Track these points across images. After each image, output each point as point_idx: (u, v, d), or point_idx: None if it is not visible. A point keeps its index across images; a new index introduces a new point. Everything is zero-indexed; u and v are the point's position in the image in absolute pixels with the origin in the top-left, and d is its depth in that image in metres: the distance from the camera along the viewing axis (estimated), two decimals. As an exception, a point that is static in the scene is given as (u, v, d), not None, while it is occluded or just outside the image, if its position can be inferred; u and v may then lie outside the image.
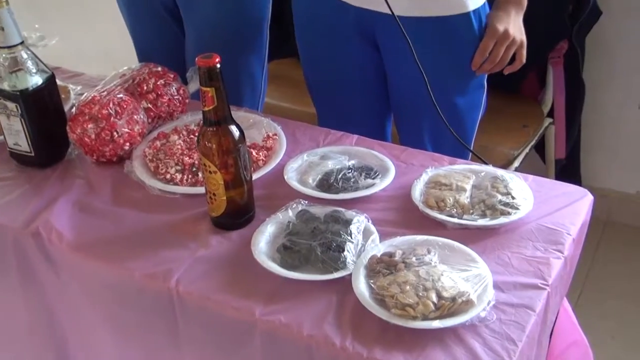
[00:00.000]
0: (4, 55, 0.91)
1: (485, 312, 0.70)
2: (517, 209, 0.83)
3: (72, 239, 0.84)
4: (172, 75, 1.04)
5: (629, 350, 1.44)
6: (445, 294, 0.70)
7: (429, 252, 0.76)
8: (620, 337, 1.45)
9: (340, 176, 0.89)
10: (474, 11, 1.04)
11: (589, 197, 0.88)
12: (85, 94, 0.97)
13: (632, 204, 1.74)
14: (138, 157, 0.96)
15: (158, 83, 1.01)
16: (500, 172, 0.90)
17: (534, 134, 1.51)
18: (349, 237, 0.78)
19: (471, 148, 1.15)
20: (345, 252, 0.76)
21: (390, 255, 0.76)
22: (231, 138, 0.80)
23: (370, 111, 1.21)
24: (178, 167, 0.93)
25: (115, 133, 0.94)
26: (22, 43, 0.92)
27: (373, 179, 0.90)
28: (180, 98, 1.04)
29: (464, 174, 0.89)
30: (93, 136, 0.93)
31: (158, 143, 0.98)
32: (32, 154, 0.96)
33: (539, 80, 1.57)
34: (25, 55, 0.92)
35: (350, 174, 0.90)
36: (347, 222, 0.80)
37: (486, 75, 1.13)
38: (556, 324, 0.85)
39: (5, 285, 0.93)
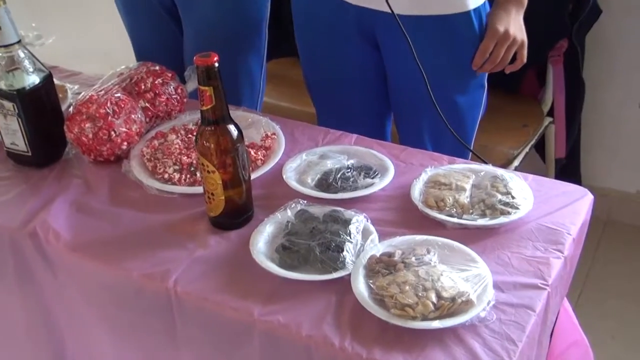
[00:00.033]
0: (0, 54, 0.90)
1: (485, 312, 0.69)
2: (517, 208, 0.83)
3: (69, 239, 0.84)
4: (170, 74, 1.04)
5: (630, 350, 1.43)
6: (444, 294, 0.70)
7: (428, 252, 0.76)
8: (621, 337, 1.45)
9: (339, 176, 0.89)
10: (474, 10, 1.04)
11: (589, 197, 0.87)
12: (82, 93, 0.96)
13: (633, 204, 1.74)
14: (136, 156, 0.96)
15: (156, 82, 1.01)
16: (500, 171, 0.90)
17: (534, 133, 1.51)
18: (348, 237, 0.78)
19: (471, 147, 1.15)
20: (344, 252, 0.76)
21: (390, 255, 0.76)
22: (229, 137, 0.80)
23: (370, 110, 1.20)
24: (176, 167, 0.93)
25: (112, 132, 0.93)
26: (19, 42, 0.91)
27: (372, 178, 0.90)
28: (178, 97, 1.04)
29: (463, 174, 0.89)
30: (90, 135, 0.93)
31: (156, 142, 0.98)
32: (29, 154, 0.96)
33: (539, 79, 1.57)
34: (22, 54, 0.92)
35: (349, 174, 0.90)
36: (346, 222, 0.80)
37: (487, 75, 1.12)
38: (556, 324, 0.85)
39: (2, 285, 0.93)
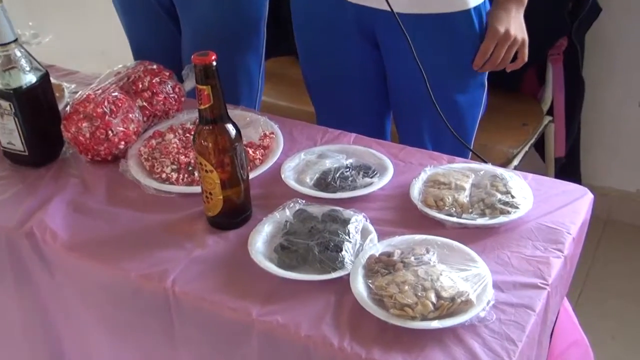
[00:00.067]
0: (-3, 53, 0.90)
1: (485, 312, 0.69)
2: (517, 208, 0.83)
3: (66, 239, 0.84)
4: (167, 73, 1.03)
5: (630, 350, 1.43)
6: (444, 294, 0.70)
7: (427, 252, 0.76)
8: (621, 337, 1.45)
9: (337, 175, 0.89)
10: (474, 8, 1.03)
11: (589, 196, 0.87)
12: (79, 93, 0.96)
13: (633, 203, 1.74)
14: (133, 156, 0.96)
15: (153, 81, 1.01)
16: (499, 170, 0.89)
17: (534, 132, 1.51)
18: (347, 237, 0.77)
19: (471, 147, 1.14)
20: (343, 252, 0.76)
21: (389, 254, 0.76)
22: (227, 137, 0.79)
23: (369, 110, 1.20)
24: (174, 166, 0.92)
25: (110, 132, 0.93)
26: (15, 41, 0.91)
27: (371, 177, 0.90)
28: (176, 96, 1.04)
29: (463, 173, 0.89)
30: (88, 135, 0.93)
31: (153, 142, 0.97)
32: (26, 153, 0.96)
33: (539, 78, 1.56)
34: (18, 53, 0.92)
35: (348, 173, 0.89)
36: (345, 222, 0.80)
37: (487, 74, 1.12)
38: (556, 324, 0.85)
39: (-1, 286, 0.93)
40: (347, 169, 0.90)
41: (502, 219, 0.81)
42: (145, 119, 1.00)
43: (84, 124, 0.92)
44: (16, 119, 0.92)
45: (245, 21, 1.19)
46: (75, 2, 2.16)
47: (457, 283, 0.71)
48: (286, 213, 0.83)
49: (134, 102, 0.97)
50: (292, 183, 0.89)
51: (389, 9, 0.98)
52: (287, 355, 0.72)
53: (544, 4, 1.26)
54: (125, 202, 0.90)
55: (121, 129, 0.94)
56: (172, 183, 0.91)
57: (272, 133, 0.99)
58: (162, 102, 1.01)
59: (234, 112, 0.95)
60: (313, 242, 0.77)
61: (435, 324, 0.68)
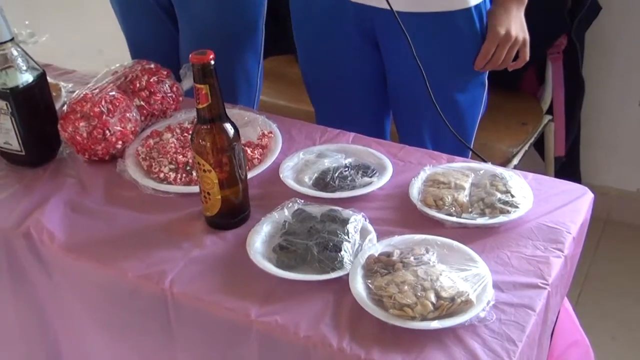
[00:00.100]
0: (-7, 52, 0.90)
1: (485, 312, 0.69)
2: (517, 207, 0.82)
3: (63, 240, 0.84)
4: (165, 72, 1.03)
5: (630, 349, 1.43)
6: (444, 294, 0.69)
7: (427, 252, 0.76)
8: (621, 337, 1.45)
9: (336, 175, 0.89)
10: (475, 6, 1.03)
11: (589, 195, 0.87)
12: (76, 92, 0.96)
13: (633, 202, 1.73)
14: (131, 155, 0.96)
15: (151, 80, 1.00)
16: (499, 170, 0.89)
17: (533, 131, 1.50)
18: (346, 237, 0.77)
19: (471, 146, 1.14)
20: (342, 252, 0.75)
21: (388, 254, 0.76)
22: (226, 136, 0.79)
23: (369, 109, 1.20)
24: (172, 166, 0.92)
25: (107, 131, 0.93)
26: (12, 40, 0.91)
27: (370, 177, 0.89)
28: (174, 95, 1.03)
29: (462, 172, 0.89)
30: (85, 134, 0.92)
31: (151, 141, 0.97)
32: (23, 153, 0.95)
33: (538, 77, 1.56)
34: (15, 53, 0.91)
35: (347, 173, 0.89)
36: (344, 222, 0.79)
37: (487, 73, 1.12)
38: (557, 324, 0.84)
39: (-5, 286, 0.92)
40: (346, 169, 0.90)
41: (502, 218, 0.81)
42: (142, 118, 0.99)
43: (81, 124, 0.92)
44: (13, 119, 0.92)
45: (244, 20, 1.19)
46: (72, 1, 2.15)
47: (457, 283, 0.71)
48: (285, 213, 0.82)
49: (131, 101, 0.97)
50: (290, 183, 0.89)
51: (388, 8, 0.97)
52: (286, 356, 0.71)
53: (543, 3, 1.26)
54: (122, 202, 0.89)
55: (118, 128, 0.94)
56: (170, 183, 0.91)
57: (271, 132, 0.99)
58: (159, 102, 1.01)
59: (232, 111, 0.95)
60: (312, 242, 0.77)
61: (435, 324, 0.67)
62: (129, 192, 0.91)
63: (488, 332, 0.68)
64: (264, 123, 1.00)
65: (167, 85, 1.02)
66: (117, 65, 1.02)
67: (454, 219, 0.82)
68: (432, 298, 0.69)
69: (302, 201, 0.84)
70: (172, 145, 0.95)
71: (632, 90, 1.62)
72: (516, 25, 1.04)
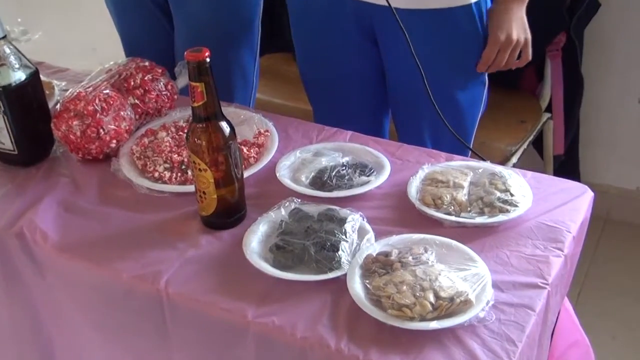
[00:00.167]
0: (-15, 50, 0.89)
1: (484, 312, 0.69)
2: (516, 206, 0.82)
3: (57, 240, 0.83)
4: (160, 70, 1.03)
5: (630, 349, 1.42)
6: (443, 294, 0.69)
7: (426, 251, 0.75)
8: (621, 336, 1.44)
9: (334, 173, 0.88)
10: (475, 3, 1.02)
11: (589, 194, 0.87)
12: (70, 90, 0.95)
13: (633, 201, 1.73)
14: (125, 154, 0.95)
15: (145, 78, 1.00)
16: (498, 168, 0.89)
17: (532, 129, 1.50)
18: (344, 236, 0.77)
19: (471, 144, 1.13)
20: (340, 252, 0.75)
21: (386, 254, 0.75)
22: (221, 135, 0.79)
23: (367, 107, 1.19)
24: (167, 165, 0.92)
25: (101, 130, 0.92)
26: (4, 37, 0.90)
27: (368, 176, 0.89)
28: (169, 94, 1.03)
29: (461, 171, 0.88)
30: (78, 133, 0.92)
31: (146, 140, 0.96)
32: (16, 152, 0.95)
33: (537, 74, 1.56)
34: (7, 50, 0.91)
35: (345, 171, 0.89)
36: (342, 221, 0.79)
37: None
38: (557, 324, 0.84)
39: (-12, 287, 0.91)
40: (344, 167, 0.89)
41: (501, 217, 0.81)
42: (137, 116, 0.99)
43: (75, 122, 0.91)
44: (5, 118, 0.91)
45: (240, 17, 1.18)
46: (65, -3, 2.14)
47: (456, 283, 0.70)
48: (281, 212, 0.82)
49: (125, 99, 0.96)
50: (287, 182, 0.88)
51: (387, 5, 0.96)
52: (283, 357, 0.71)
53: (542, 0, 1.25)
54: (117, 202, 0.89)
55: (113, 127, 0.93)
56: (165, 182, 0.90)
57: (267, 131, 0.98)
58: (154, 100, 1.00)
59: (228, 109, 0.94)
60: (309, 242, 0.76)
61: (434, 325, 0.67)
62: (124, 191, 0.90)
63: (487, 333, 0.68)
64: (260, 121, 1.00)
65: (161, 83, 1.01)
66: (111, 63, 1.01)
67: (453, 218, 0.81)
68: (431, 298, 0.69)
69: (299, 200, 0.84)
70: (167, 144, 0.94)
71: (632, 87, 1.62)
72: (517, 25, 1.03)
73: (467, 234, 0.79)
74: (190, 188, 0.85)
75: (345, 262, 0.75)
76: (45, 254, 0.83)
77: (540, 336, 0.74)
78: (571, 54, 1.47)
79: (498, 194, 0.83)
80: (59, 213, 0.87)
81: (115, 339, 0.84)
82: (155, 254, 0.79)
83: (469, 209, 0.82)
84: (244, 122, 1.00)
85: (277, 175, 0.90)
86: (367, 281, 0.72)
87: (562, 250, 0.78)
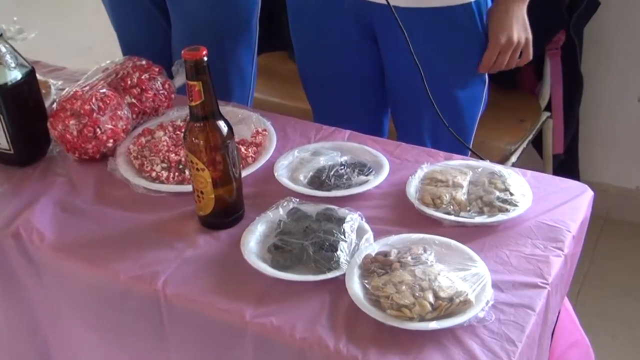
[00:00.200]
0: (-19, 49, 0.89)
1: (484, 313, 0.68)
2: (516, 205, 0.82)
3: (53, 240, 0.83)
4: (157, 69, 1.02)
5: (630, 348, 1.42)
6: (442, 294, 0.69)
7: (425, 251, 0.75)
8: (621, 336, 1.44)
9: (332, 173, 0.88)
10: (475, 2, 1.02)
11: (589, 193, 0.86)
12: (66, 89, 0.95)
13: (632, 200, 1.73)
14: (122, 154, 0.95)
15: (142, 77, 0.99)
16: (497, 167, 0.88)
17: (531, 128, 1.49)
18: (342, 236, 0.76)
19: (471, 143, 1.13)
20: (339, 252, 0.75)
21: (385, 254, 0.75)
22: (219, 134, 0.78)
23: (367, 106, 1.19)
24: (164, 165, 0.91)
25: (98, 129, 0.92)
26: (0, 36, 0.90)
27: (366, 175, 0.88)
28: (166, 93, 1.03)
29: (460, 170, 0.88)
30: (75, 133, 0.92)
31: (143, 140, 0.96)
32: (12, 152, 0.94)
33: (536, 73, 1.55)
34: (3, 49, 0.90)
35: (343, 171, 0.88)
36: (340, 221, 0.79)
37: None
38: (557, 324, 0.84)
39: (-16, 288, 0.91)
40: (342, 167, 0.89)
41: (500, 217, 0.80)
42: (134, 116, 0.98)
43: (71, 122, 0.91)
44: (1, 117, 0.91)
45: (238, 16, 1.18)
46: (61, -4, 2.13)
47: (456, 283, 0.70)
48: (280, 212, 0.82)
49: (122, 98, 0.96)
50: (285, 181, 0.88)
51: (385, 3, 0.96)
52: (282, 358, 0.70)
53: (541, -2, 1.25)
54: (114, 202, 0.88)
55: (109, 126, 0.93)
56: (162, 182, 0.90)
57: (265, 130, 0.98)
58: (151, 99, 1.00)
59: (225, 108, 0.94)
60: (307, 242, 0.76)
61: (434, 325, 0.67)
62: (120, 191, 0.90)
63: (487, 333, 0.67)
64: (258, 121, 0.99)
65: (159, 82, 1.01)
66: (108, 62, 1.01)
67: (452, 217, 0.81)
68: (430, 298, 0.68)
69: (297, 200, 0.83)
70: (165, 143, 0.94)
71: (631, 86, 1.62)
72: (518, 26, 1.03)
73: (467, 233, 0.79)
74: (188, 188, 0.85)
75: (344, 262, 0.74)
76: (42, 254, 0.83)
77: (540, 336, 0.73)
78: (571, 53, 1.47)
79: (497, 193, 0.83)
80: (56, 213, 0.87)
81: (112, 340, 0.84)
82: (153, 254, 0.79)
83: (468, 208, 0.82)
84: (241, 121, 0.99)
85: (275, 174, 0.89)
86: (366, 281, 0.72)
87: (562, 250, 0.77)
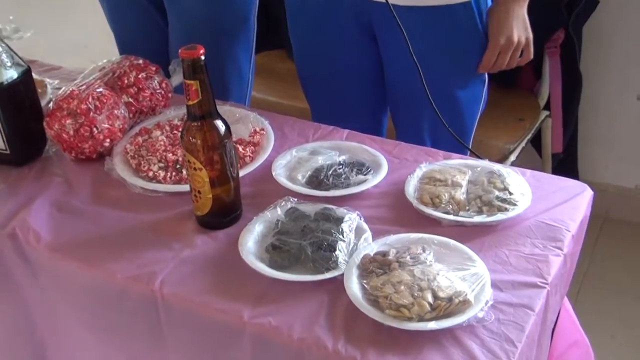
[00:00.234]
0: (-24, 48, 0.88)
1: (483, 313, 0.68)
2: (515, 205, 0.81)
3: (50, 240, 0.82)
4: (154, 68, 1.02)
5: (630, 348, 1.42)
6: (441, 294, 0.68)
7: (424, 251, 0.75)
8: (620, 335, 1.44)
9: (330, 172, 0.88)
10: (475, 0, 1.01)
11: (589, 192, 0.86)
12: (63, 89, 0.94)
13: (631, 199, 1.73)
14: (119, 153, 0.94)
15: (139, 76, 0.99)
16: (497, 166, 0.88)
17: (530, 127, 1.49)
18: (341, 236, 0.76)
19: (471, 143, 1.12)
20: (337, 252, 0.74)
21: (384, 254, 0.74)
22: (217, 133, 0.78)
23: (366, 105, 1.18)
24: (161, 164, 0.91)
25: (94, 129, 0.92)
26: (-5, 35, 0.89)
27: (365, 174, 0.88)
28: (163, 92, 1.02)
29: (459, 169, 0.88)
30: (71, 132, 0.91)
31: (140, 139, 0.96)
32: (8, 152, 0.94)
33: (535, 72, 1.55)
34: (-1, 48, 0.90)
35: (341, 170, 0.88)
36: (339, 220, 0.78)
37: None
38: (557, 324, 0.83)
39: (-20, 288, 0.90)
40: (340, 166, 0.89)
41: (500, 216, 0.80)
42: (131, 115, 0.98)
43: (68, 121, 0.91)
44: (-3, 117, 0.91)
45: (235, 14, 1.17)
46: (57, -5, 2.13)
47: (455, 283, 0.70)
48: (277, 212, 0.81)
49: (119, 98, 0.96)
50: (283, 181, 0.88)
51: (385, 1, 0.95)
52: (280, 359, 0.70)
53: (540, -4, 1.24)
54: (110, 202, 0.88)
55: (106, 126, 0.92)
56: (159, 181, 0.90)
57: (263, 129, 0.97)
58: (148, 98, 1.00)
59: (223, 107, 0.94)
60: (306, 242, 0.75)
61: (432, 325, 0.66)
62: (117, 191, 0.89)
63: (487, 333, 0.67)
64: (256, 120, 0.99)
65: (156, 82, 1.01)
66: (105, 61, 1.00)
67: (451, 217, 0.80)
68: (429, 298, 0.68)
69: (295, 200, 0.83)
70: (162, 143, 0.94)
71: (630, 84, 1.61)
72: (518, 26, 1.02)
73: (466, 233, 0.79)
74: (185, 187, 0.85)
75: (343, 262, 0.74)
76: (38, 254, 0.82)
77: (539, 336, 0.73)
78: (569, 51, 1.47)
79: (497, 192, 0.83)
80: (52, 213, 0.86)
81: (109, 340, 0.84)
82: (150, 255, 0.79)
83: (467, 207, 0.82)
84: (239, 120, 0.99)
85: (273, 174, 0.89)
86: (365, 281, 0.71)
87: (562, 249, 0.77)
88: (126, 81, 0.97)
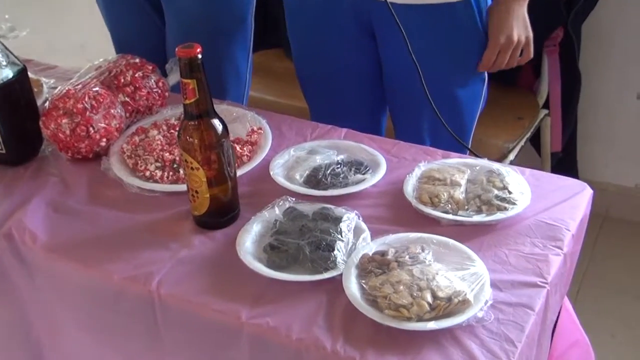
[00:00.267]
0: (-28, 47, 0.88)
1: (483, 312, 0.68)
2: (514, 204, 0.81)
3: (46, 241, 0.82)
4: (150, 67, 1.02)
5: (630, 347, 1.42)
6: (440, 294, 0.68)
7: (423, 250, 0.74)
8: (621, 335, 1.44)
9: (328, 172, 0.87)
10: None
11: (589, 191, 0.86)
12: (59, 88, 0.94)
13: (631, 198, 1.73)
14: (115, 153, 0.94)
15: (136, 75, 0.99)
16: (496, 165, 0.88)
17: (529, 125, 1.49)
18: (339, 236, 0.76)
19: (470, 141, 1.12)
20: (335, 251, 0.74)
21: (383, 253, 0.74)
22: (214, 132, 0.78)
23: (365, 104, 1.18)
24: (158, 164, 0.91)
25: (91, 128, 0.91)
26: (-9, 34, 0.89)
27: (363, 174, 0.88)
28: (160, 91, 1.02)
29: (458, 168, 0.87)
30: (68, 132, 0.91)
31: (137, 138, 0.96)
32: (3, 152, 0.94)
33: (534, 70, 1.55)
34: (-6, 47, 0.90)
35: (340, 169, 0.88)
36: (337, 220, 0.78)
37: None
38: (557, 324, 0.83)
39: (-24, 289, 0.90)
40: (339, 165, 0.89)
41: (499, 215, 0.80)
42: (127, 114, 0.98)
43: (64, 121, 0.90)
44: (-7, 116, 0.90)
45: (233, 12, 1.17)
46: (53, -7, 2.12)
47: (454, 282, 0.70)
48: (275, 211, 0.81)
49: (115, 97, 0.95)
50: (281, 180, 0.87)
51: (384, 0, 0.95)
52: (278, 359, 0.70)
53: (539, -6, 1.24)
54: (107, 202, 0.88)
55: (103, 125, 0.92)
56: (156, 181, 0.89)
57: (260, 128, 0.97)
58: (145, 97, 0.99)
59: (220, 107, 0.94)
60: (304, 242, 0.75)
61: (432, 325, 0.66)
62: (114, 191, 0.89)
63: (486, 333, 0.67)
64: (254, 119, 0.99)
65: (152, 81, 1.00)
66: (101, 60, 1.00)
67: (450, 216, 0.80)
68: (429, 298, 0.68)
69: (293, 199, 0.83)
70: (159, 142, 0.93)
71: (630, 83, 1.61)
72: (518, 25, 1.02)
73: (465, 232, 0.78)
74: (182, 187, 0.84)
75: (341, 261, 0.74)
76: (34, 255, 0.82)
77: (539, 336, 0.73)
78: (569, 50, 1.47)
79: (496, 191, 0.82)
80: (48, 213, 0.86)
81: (105, 341, 0.83)
82: (147, 255, 0.79)
83: (466, 207, 0.81)
84: (236, 119, 0.99)
85: (271, 173, 0.89)
86: (364, 281, 0.71)
87: (562, 249, 0.77)
88: (123, 80, 0.97)
